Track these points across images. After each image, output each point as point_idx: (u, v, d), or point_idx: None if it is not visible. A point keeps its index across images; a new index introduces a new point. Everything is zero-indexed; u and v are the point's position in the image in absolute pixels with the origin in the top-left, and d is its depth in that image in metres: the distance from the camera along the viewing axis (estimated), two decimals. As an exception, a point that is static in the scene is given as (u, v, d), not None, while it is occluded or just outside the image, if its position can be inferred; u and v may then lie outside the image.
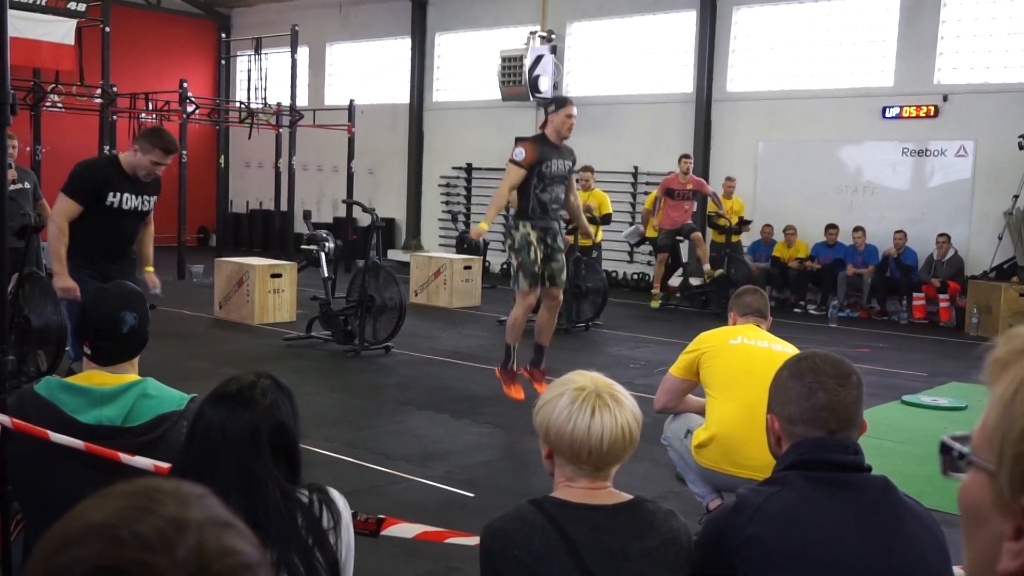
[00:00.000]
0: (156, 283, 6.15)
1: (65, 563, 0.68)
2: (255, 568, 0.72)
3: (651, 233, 13.17)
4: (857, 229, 12.97)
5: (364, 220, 9.88)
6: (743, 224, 13.10)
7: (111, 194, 5.59)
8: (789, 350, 3.94)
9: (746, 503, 2.01)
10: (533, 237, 6.73)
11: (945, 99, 12.83)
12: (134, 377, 2.67)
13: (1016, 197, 11.74)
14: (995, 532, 0.77)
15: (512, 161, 6.66)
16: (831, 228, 13.18)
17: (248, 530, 0.75)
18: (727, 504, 2.12)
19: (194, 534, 0.70)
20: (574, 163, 7.04)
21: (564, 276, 7.03)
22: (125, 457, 2.50)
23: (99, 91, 13.47)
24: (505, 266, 7.21)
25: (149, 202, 5.84)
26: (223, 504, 0.76)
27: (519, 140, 6.85)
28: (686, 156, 12.61)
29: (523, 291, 6.81)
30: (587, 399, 1.98)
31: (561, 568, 1.90)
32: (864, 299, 12.93)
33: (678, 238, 12.84)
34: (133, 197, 5.68)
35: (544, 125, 6.86)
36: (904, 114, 13.14)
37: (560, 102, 6.82)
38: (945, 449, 0.86)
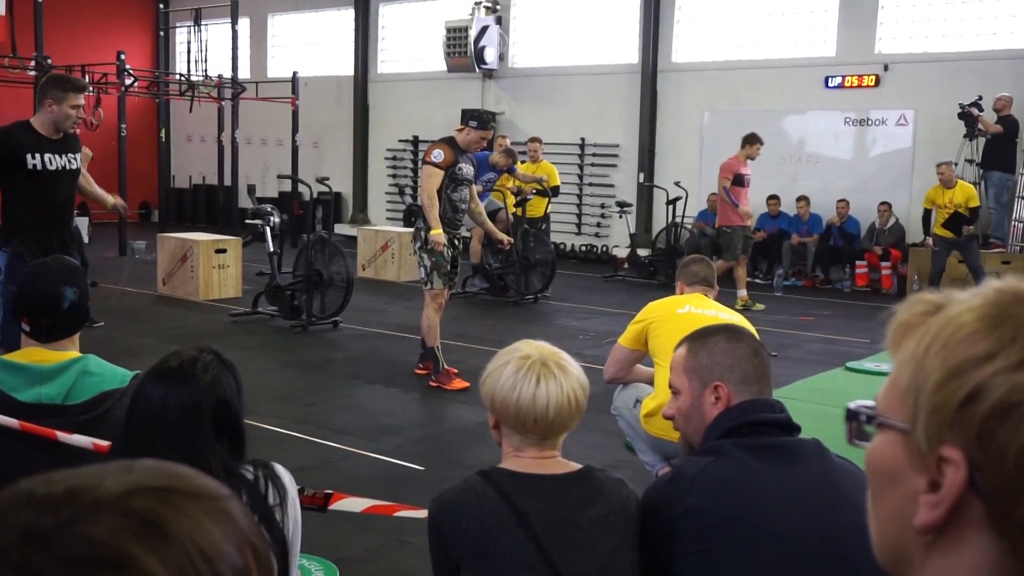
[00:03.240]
0: (122, 202, 6.23)
1: None
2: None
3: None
4: (801, 199, 13.11)
5: (313, 193, 9.78)
6: (972, 215, 10.73)
7: (30, 156, 5.41)
8: (736, 318, 3.98)
9: (682, 474, 2.02)
10: (444, 239, 6.80)
11: (886, 68, 12.99)
12: (75, 354, 2.60)
13: (955, 165, 11.94)
14: (909, 489, 0.79)
15: (431, 163, 6.74)
16: (771, 199, 13.27)
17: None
18: (663, 476, 2.13)
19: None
20: (476, 169, 7.17)
21: (456, 278, 7.25)
22: (63, 436, 2.44)
23: (33, 63, 13.11)
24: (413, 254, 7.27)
25: (75, 159, 5.68)
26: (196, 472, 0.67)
27: (435, 143, 6.90)
28: (759, 139, 10.43)
29: (436, 291, 6.88)
30: (532, 367, 1.98)
31: (512, 538, 1.89)
32: (808, 268, 13.10)
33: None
34: (57, 157, 5.51)
35: (459, 131, 6.94)
36: (846, 83, 13.28)
37: (483, 122, 6.88)
38: (852, 415, 0.88)
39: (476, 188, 7.37)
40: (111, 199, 6.27)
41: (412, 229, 12.96)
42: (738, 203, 10.38)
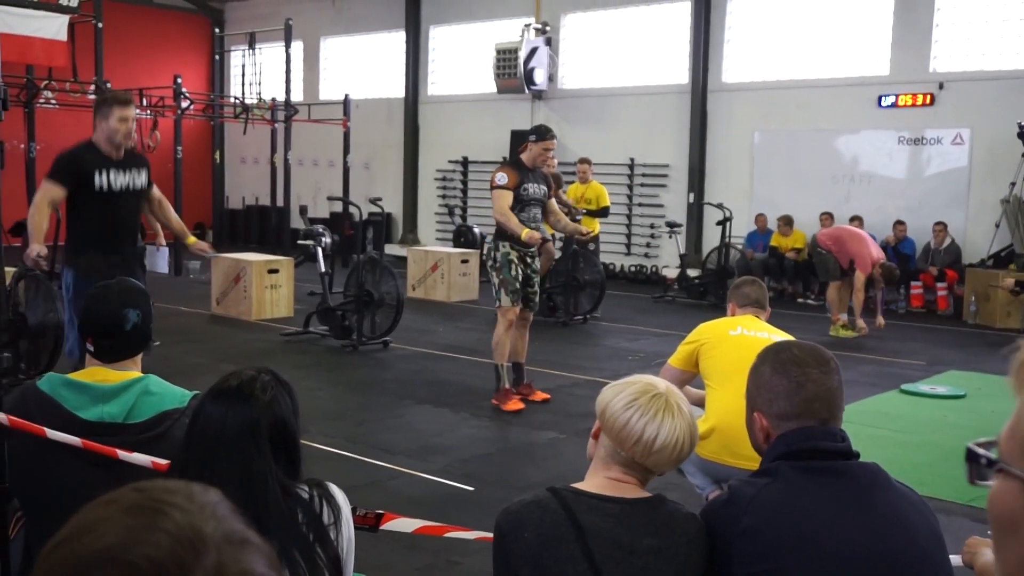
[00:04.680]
0: (205, 247, 6.25)
1: None
2: None
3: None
4: (854, 218, 12.93)
5: (363, 214, 9.88)
6: None
7: (97, 174, 5.52)
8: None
9: (739, 495, 2.01)
10: (514, 256, 6.87)
11: (941, 87, 12.82)
12: (136, 374, 2.66)
13: (1013, 184, 11.74)
14: None
15: (497, 187, 6.83)
16: (824, 216, 13.08)
17: (262, 542, 0.72)
18: (720, 497, 2.12)
19: (212, 556, 0.66)
20: (550, 187, 7.14)
21: (538, 299, 7.21)
22: (123, 454, 2.49)
23: (93, 87, 13.41)
24: (484, 280, 7.26)
25: (140, 177, 5.76)
26: (232, 507, 0.73)
27: (498, 167, 7.02)
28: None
29: (505, 308, 6.92)
30: (656, 398, 2.02)
31: (567, 553, 1.91)
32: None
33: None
34: (121, 175, 5.62)
35: (522, 150, 7.01)
36: (900, 102, 13.13)
37: (541, 134, 6.94)
38: (972, 456, 0.84)
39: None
40: (192, 239, 6.26)
41: (461, 249, 13.09)
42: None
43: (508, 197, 6.78)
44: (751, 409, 2.16)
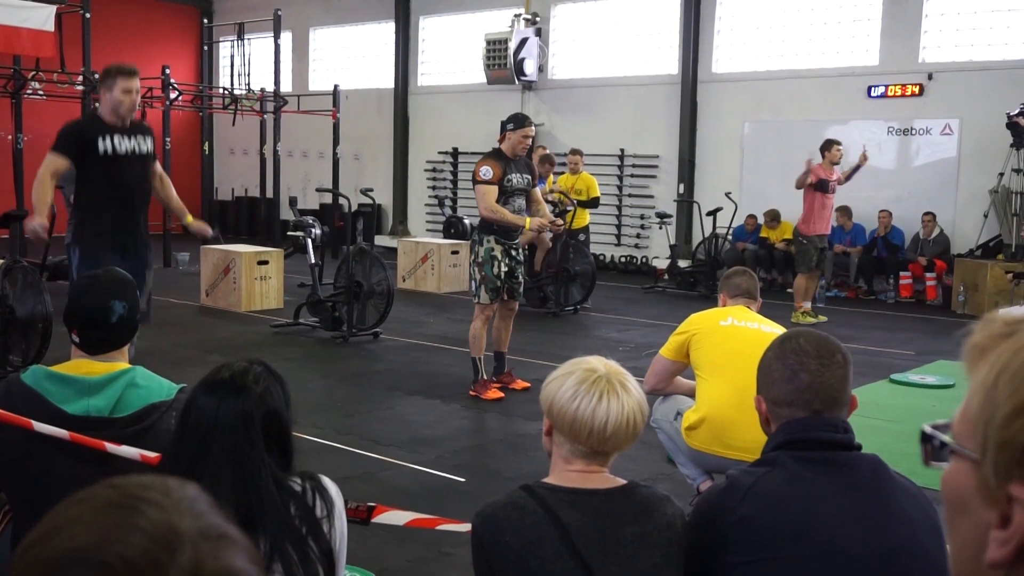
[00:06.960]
0: (205, 227, 6.29)
1: None
2: None
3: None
4: (841, 208, 12.97)
5: (353, 206, 9.84)
6: None
7: (100, 139, 5.49)
8: (779, 331, 3.94)
9: (737, 484, 2.01)
10: (498, 252, 6.83)
11: (930, 77, 12.84)
12: (123, 366, 2.63)
13: (1001, 175, 11.78)
14: (980, 520, 0.76)
15: (482, 181, 6.77)
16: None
17: (243, 537, 0.70)
18: (718, 484, 2.12)
19: (188, 553, 0.64)
20: (533, 176, 7.11)
21: (522, 289, 7.20)
22: (111, 447, 2.47)
23: (80, 78, 13.34)
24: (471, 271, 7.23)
25: (145, 142, 5.71)
26: (213, 500, 0.71)
27: (481, 159, 6.96)
28: (836, 142, 10.41)
29: (483, 304, 6.90)
30: (596, 382, 1.98)
31: (552, 553, 1.89)
32: (851, 279, 12.96)
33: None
34: (125, 139, 5.58)
35: (501, 140, 6.95)
36: (889, 93, 13.14)
37: (519, 121, 6.88)
38: (926, 438, 0.85)
39: (537, 191, 7.25)
40: (191, 218, 6.25)
41: (451, 241, 13.07)
42: (811, 210, 10.35)
43: (494, 192, 6.73)
44: (757, 392, 2.19)
